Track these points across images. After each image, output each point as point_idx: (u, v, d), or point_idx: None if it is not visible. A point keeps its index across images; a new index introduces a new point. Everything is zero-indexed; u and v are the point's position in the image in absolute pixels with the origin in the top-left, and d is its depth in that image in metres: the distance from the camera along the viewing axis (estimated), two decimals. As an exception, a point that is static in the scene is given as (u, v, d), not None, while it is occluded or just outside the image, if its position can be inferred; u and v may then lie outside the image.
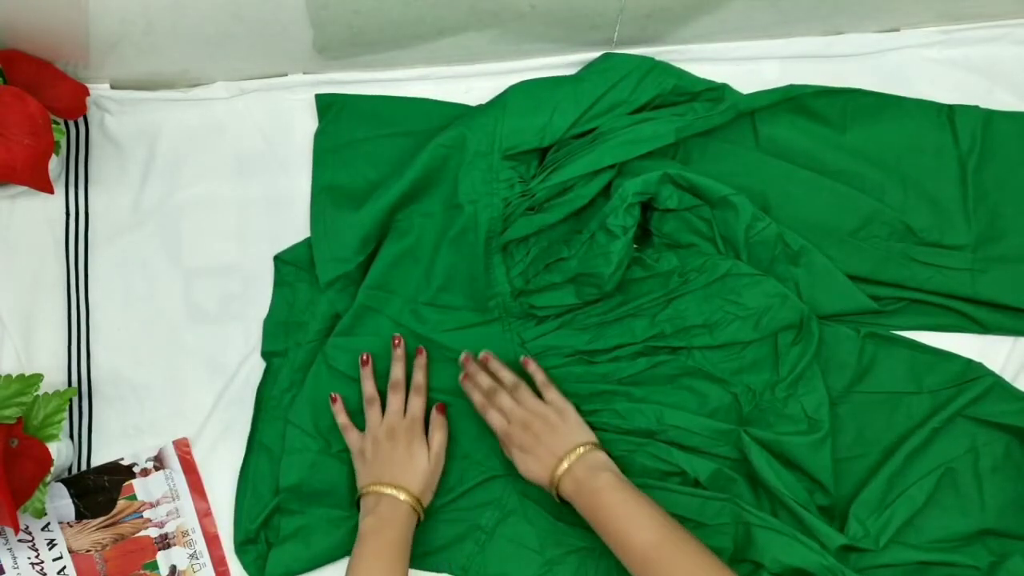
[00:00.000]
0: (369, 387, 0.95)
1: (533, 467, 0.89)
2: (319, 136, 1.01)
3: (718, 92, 0.98)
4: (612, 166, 0.95)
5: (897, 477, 0.90)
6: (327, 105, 1.02)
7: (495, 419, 0.92)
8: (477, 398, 0.93)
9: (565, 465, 0.87)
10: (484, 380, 0.93)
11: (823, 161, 0.97)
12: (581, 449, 0.87)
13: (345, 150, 1.01)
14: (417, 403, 0.94)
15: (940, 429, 0.91)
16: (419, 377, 0.95)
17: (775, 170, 0.97)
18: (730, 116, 0.97)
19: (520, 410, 0.91)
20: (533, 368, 0.95)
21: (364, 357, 0.96)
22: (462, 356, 0.96)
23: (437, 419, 0.94)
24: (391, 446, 0.91)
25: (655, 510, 0.83)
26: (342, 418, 0.95)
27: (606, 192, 0.96)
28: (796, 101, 0.98)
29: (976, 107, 0.98)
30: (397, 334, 0.97)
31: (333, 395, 0.96)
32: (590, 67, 1.00)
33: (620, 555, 0.82)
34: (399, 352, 0.96)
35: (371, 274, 0.97)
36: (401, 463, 0.91)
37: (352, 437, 0.94)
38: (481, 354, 0.96)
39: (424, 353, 0.97)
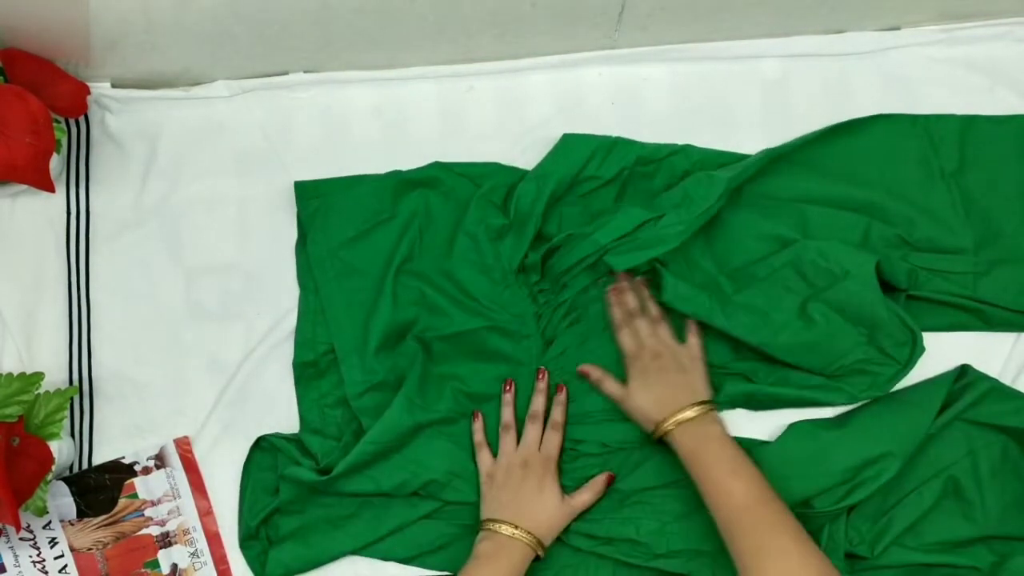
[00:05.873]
0: (507, 414, 0.94)
1: (645, 401, 0.90)
2: (312, 245, 0.98)
3: (682, 153, 0.98)
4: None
5: (894, 484, 0.89)
6: (307, 200, 0.99)
7: (627, 339, 0.93)
8: (617, 313, 0.95)
9: (689, 414, 0.87)
10: (631, 300, 0.95)
11: (807, 191, 0.97)
12: (704, 408, 0.88)
13: (342, 251, 0.98)
14: (554, 440, 0.93)
15: (936, 435, 0.90)
16: (557, 415, 0.94)
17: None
18: (724, 201, 0.94)
19: (655, 340, 0.93)
20: (693, 329, 0.94)
21: (507, 385, 0.95)
22: (619, 274, 0.95)
23: (600, 481, 0.92)
24: (523, 475, 0.90)
25: (756, 471, 0.83)
26: (479, 436, 0.94)
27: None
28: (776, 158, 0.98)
29: (952, 116, 0.98)
30: (542, 367, 0.95)
31: (476, 411, 0.95)
32: (551, 155, 0.98)
33: (714, 504, 0.83)
34: (542, 385, 0.95)
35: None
36: (529, 499, 0.89)
37: (484, 458, 0.93)
38: (637, 278, 0.96)
39: (564, 390, 0.95)
